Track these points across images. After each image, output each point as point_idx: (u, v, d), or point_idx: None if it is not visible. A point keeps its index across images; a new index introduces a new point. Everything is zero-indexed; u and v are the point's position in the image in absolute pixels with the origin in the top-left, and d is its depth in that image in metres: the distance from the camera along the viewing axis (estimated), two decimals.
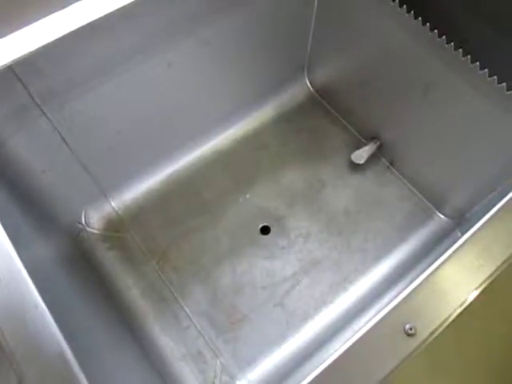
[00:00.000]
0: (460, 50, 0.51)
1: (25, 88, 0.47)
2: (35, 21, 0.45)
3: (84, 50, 0.49)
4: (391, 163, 0.75)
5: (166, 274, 0.67)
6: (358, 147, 0.75)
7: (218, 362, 0.61)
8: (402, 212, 0.72)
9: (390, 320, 0.33)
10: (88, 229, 0.69)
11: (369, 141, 0.75)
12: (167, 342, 0.62)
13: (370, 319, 0.34)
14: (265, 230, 0.70)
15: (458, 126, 0.60)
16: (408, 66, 0.60)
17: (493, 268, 0.36)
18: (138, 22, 0.51)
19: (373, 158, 0.75)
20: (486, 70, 0.50)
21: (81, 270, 0.63)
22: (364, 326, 0.34)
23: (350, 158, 0.74)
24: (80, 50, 0.49)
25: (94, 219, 0.70)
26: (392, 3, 0.56)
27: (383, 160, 0.75)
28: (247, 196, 0.73)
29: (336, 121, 0.79)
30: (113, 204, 0.70)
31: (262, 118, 0.78)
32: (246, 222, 0.71)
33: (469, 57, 0.51)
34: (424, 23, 0.54)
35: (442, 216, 0.70)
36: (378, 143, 0.74)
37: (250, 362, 0.62)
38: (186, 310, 0.65)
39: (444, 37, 0.52)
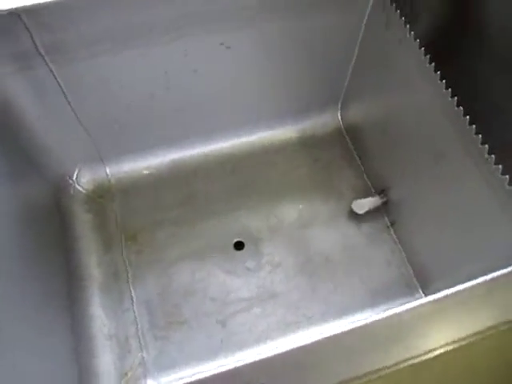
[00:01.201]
0: (473, 127, 0.47)
1: (30, 36, 0.48)
2: None
3: (108, 12, 0.50)
4: (392, 224, 0.70)
5: (129, 254, 0.67)
6: (364, 196, 0.71)
7: (140, 355, 0.61)
8: (384, 278, 0.67)
9: None
10: (76, 186, 0.71)
11: (377, 193, 0.71)
12: (100, 316, 0.62)
13: None
14: (238, 246, 0.68)
15: (461, 205, 0.54)
16: (425, 128, 0.56)
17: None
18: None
19: (375, 213, 0.70)
20: (493, 156, 0.45)
21: (49, 220, 0.65)
22: None
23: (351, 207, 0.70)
24: (104, 11, 0.50)
25: (85, 179, 0.71)
26: (428, 65, 0.52)
27: (385, 218, 0.70)
28: (236, 207, 0.71)
29: (353, 162, 0.75)
30: (107, 171, 0.72)
31: (281, 135, 0.76)
32: (224, 232, 0.69)
33: (480, 136, 0.46)
34: (453, 95, 0.49)
35: (423, 296, 0.64)
36: (385, 199, 0.70)
37: (170, 366, 0.60)
38: (133, 293, 0.65)
39: (466, 115, 0.47)
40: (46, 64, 0.52)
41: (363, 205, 0.70)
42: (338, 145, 0.77)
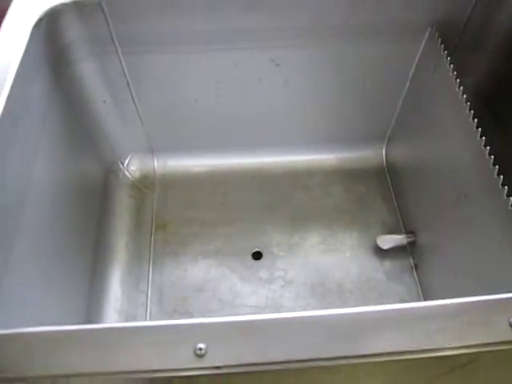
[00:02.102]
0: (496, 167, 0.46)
1: (107, 24, 0.56)
2: None
3: (175, 16, 0.56)
4: (415, 266, 0.68)
5: (155, 241, 0.72)
6: (391, 233, 0.70)
7: None
8: None
9: None
10: (125, 172, 0.77)
11: (405, 232, 0.70)
12: (116, 292, 0.67)
13: None
14: (257, 256, 0.70)
15: (478, 251, 0.53)
16: (457, 175, 0.55)
17: None
18: (259, 14, 0.56)
19: (400, 252, 0.69)
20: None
21: (94, 197, 0.71)
22: None
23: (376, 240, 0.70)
24: (172, 14, 0.56)
25: (135, 167, 0.78)
26: (468, 112, 0.52)
27: (410, 259, 0.69)
28: (262, 219, 0.73)
29: (388, 198, 0.75)
30: (155, 163, 0.78)
31: (320, 160, 0.78)
32: (246, 240, 0.71)
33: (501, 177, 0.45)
34: (486, 144, 0.49)
35: None
36: (412, 239, 0.68)
37: None
38: (150, 277, 0.68)
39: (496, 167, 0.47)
40: (117, 53, 0.60)
41: (388, 241, 0.69)
42: (376, 179, 0.77)
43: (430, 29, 0.60)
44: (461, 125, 0.53)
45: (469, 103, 0.52)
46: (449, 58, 0.56)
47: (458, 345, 0.31)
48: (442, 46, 0.57)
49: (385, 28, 0.60)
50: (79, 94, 0.63)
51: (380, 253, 0.69)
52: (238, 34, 0.58)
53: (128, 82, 0.64)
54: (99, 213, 0.72)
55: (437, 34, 0.58)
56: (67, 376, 0.30)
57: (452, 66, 0.55)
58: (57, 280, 0.57)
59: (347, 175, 0.78)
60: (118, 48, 0.60)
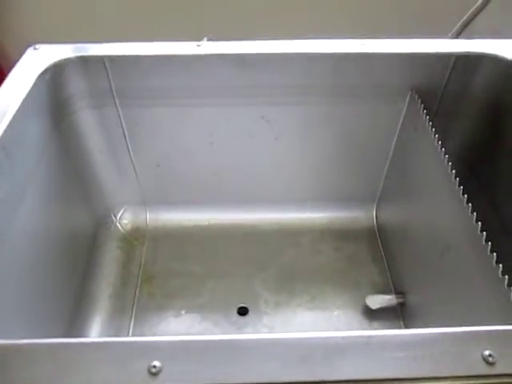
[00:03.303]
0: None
1: (108, 79, 0.60)
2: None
3: (171, 73, 0.61)
4: (406, 327, 0.65)
5: (140, 294, 0.70)
6: (381, 293, 0.68)
7: None
8: None
9: None
10: (117, 224, 0.78)
11: (395, 293, 0.68)
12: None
13: None
14: (242, 311, 0.68)
15: (465, 309, 0.51)
16: (441, 236, 0.55)
17: None
18: (251, 72, 0.60)
19: (389, 313, 0.67)
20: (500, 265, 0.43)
21: (82, 246, 0.71)
22: None
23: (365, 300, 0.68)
24: (168, 71, 0.61)
25: (127, 220, 0.79)
26: (451, 177, 0.52)
27: (400, 321, 0.66)
28: (250, 275, 0.72)
29: (378, 259, 0.74)
30: (148, 216, 0.79)
31: (311, 219, 0.79)
32: (232, 295, 0.70)
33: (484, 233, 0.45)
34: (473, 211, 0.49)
35: None
36: (401, 300, 0.66)
37: None
38: (130, 331, 0.66)
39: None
40: (116, 105, 0.64)
41: (378, 301, 0.67)
42: (367, 240, 0.77)
43: (410, 92, 0.63)
44: (443, 183, 0.54)
45: (450, 163, 0.53)
46: (429, 121, 0.59)
47: (430, 375, 0.30)
48: (423, 108, 0.60)
49: (369, 90, 0.63)
50: (76, 143, 0.66)
51: (369, 313, 0.67)
52: (230, 90, 0.62)
53: (124, 134, 0.67)
54: (86, 262, 0.72)
55: (417, 96, 0.62)
56: None
57: (433, 128, 0.57)
58: (34, 322, 0.55)
59: (338, 235, 0.78)
60: (117, 101, 0.63)
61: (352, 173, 0.75)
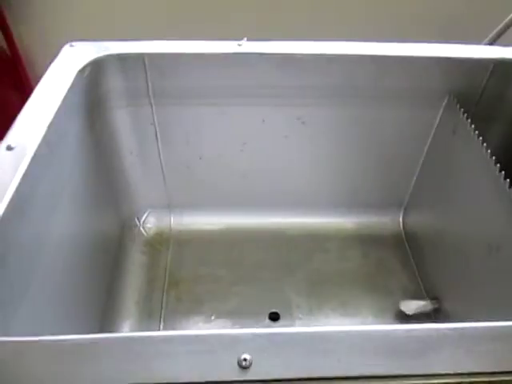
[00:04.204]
0: None
1: (145, 77, 0.60)
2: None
3: (208, 73, 0.60)
4: None
5: (168, 299, 0.68)
6: (415, 298, 0.67)
7: None
8: None
9: None
10: (141, 228, 0.76)
11: (429, 298, 0.67)
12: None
13: None
14: (273, 316, 0.67)
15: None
16: (487, 239, 0.54)
17: None
18: (288, 72, 0.60)
19: (424, 319, 0.66)
20: None
21: (108, 251, 0.69)
22: None
23: (399, 305, 0.67)
24: (205, 71, 0.60)
25: (150, 225, 0.77)
26: (497, 173, 0.52)
27: None
28: (279, 280, 0.71)
29: (408, 265, 0.73)
30: (172, 220, 0.77)
31: (338, 224, 0.78)
32: (263, 300, 0.68)
33: None
34: None
35: None
36: (437, 306, 0.66)
37: None
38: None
39: None
40: (151, 105, 0.63)
41: (412, 306, 0.66)
42: (394, 246, 0.76)
43: (448, 96, 0.63)
44: (491, 185, 0.53)
45: (498, 164, 0.53)
46: (469, 121, 0.59)
47: None
48: (462, 111, 0.60)
49: (406, 93, 0.63)
50: (109, 142, 0.65)
51: (403, 319, 0.66)
52: (267, 90, 0.62)
53: (156, 134, 0.66)
54: (112, 266, 0.70)
55: (455, 100, 0.62)
56: None
57: (474, 127, 0.58)
58: (66, 325, 0.53)
59: (365, 240, 0.77)
60: (152, 100, 0.63)
61: (381, 178, 0.75)
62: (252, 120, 0.65)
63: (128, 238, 0.75)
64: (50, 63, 0.58)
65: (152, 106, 0.63)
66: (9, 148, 0.44)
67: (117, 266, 0.71)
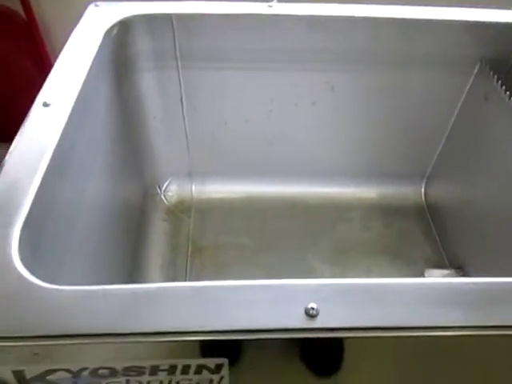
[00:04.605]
0: None
1: (173, 38, 0.58)
2: None
3: (236, 35, 0.59)
4: None
5: (192, 265, 0.68)
6: (438, 268, 0.68)
7: None
8: None
9: None
10: (162, 196, 0.76)
11: (453, 268, 0.67)
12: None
13: None
14: None
15: None
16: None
17: None
18: (319, 35, 0.59)
19: None
20: None
21: (131, 219, 0.69)
22: None
23: (423, 274, 0.67)
24: (233, 33, 0.59)
25: (172, 193, 0.76)
26: None
27: None
28: (303, 249, 0.71)
29: (430, 235, 0.73)
30: (193, 189, 0.77)
31: (360, 194, 0.78)
32: (287, 268, 0.68)
33: None
34: None
35: None
36: (461, 275, 0.66)
37: None
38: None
39: None
40: (177, 67, 0.61)
41: (437, 275, 0.66)
42: (416, 217, 0.76)
43: (479, 63, 0.62)
44: None
45: None
46: (503, 88, 0.58)
47: None
48: (495, 77, 0.59)
49: (436, 59, 0.62)
50: (134, 106, 0.64)
51: None
52: (297, 54, 0.60)
53: (182, 98, 0.65)
54: (136, 234, 0.70)
55: (487, 66, 0.61)
56: (172, 333, 0.26)
57: (508, 94, 0.57)
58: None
59: (387, 210, 0.77)
60: (179, 62, 0.61)
61: (404, 148, 0.74)
62: (280, 85, 0.64)
63: (150, 206, 0.75)
64: (75, 24, 0.56)
65: (178, 69, 0.62)
66: (45, 104, 0.43)
67: (140, 233, 0.70)
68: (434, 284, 0.30)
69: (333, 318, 0.27)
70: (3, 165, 0.38)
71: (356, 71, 0.63)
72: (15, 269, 0.29)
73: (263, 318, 0.27)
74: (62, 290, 0.29)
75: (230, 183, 0.77)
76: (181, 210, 0.76)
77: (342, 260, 0.70)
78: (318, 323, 0.27)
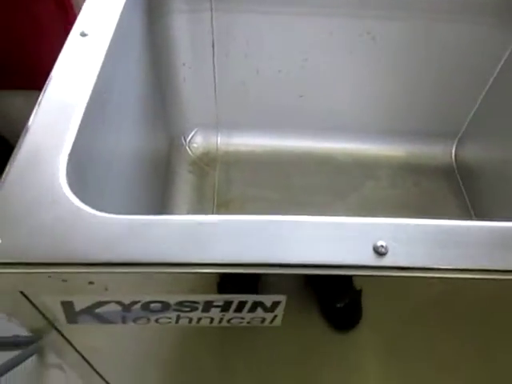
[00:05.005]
0: None
1: None
2: None
3: None
4: None
5: None
6: None
7: None
8: None
9: None
10: (186, 148, 0.74)
11: None
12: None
13: None
14: None
15: None
16: None
17: None
18: None
19: None
20: None
21: (157, 171, 0.67)
22: None
23: None
24: None
25: (197, 145, 0.75)
26: None
27: None
28: (330, 204, 0.70)
29: (459, 194, 0.72)
30: (219, 141, 0.75)
31: (389, 151, 0.76)
32: None
33: None
34: None
35: None
36: None
37: None
38: None
39: None
40: (211, 9, 0.58)
41: None
42: (445, 177, 0.74)
43: None
44: None
45: None
46: None
47: None
48: None
49: (486, 8, 0.59)
50: (164, 49, 0.61)
51: None
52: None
53: (213, 43, 0.62)
54: (163, 184, 0.68)
55: None
56: (233, 265, 0.25)
57: None
58: None
59: (415, 169, 0.75)
60: (213, 3, 0.58)
61: (439, 105, 0.71)
62: (318, 32, 0.61)
63: (175, 157, 0.73)
64: None
65: (212, 11, 0.59)
66: (82, 34, 0.41)
67: (167, 184, 0.69)
68: (501, 227, 0.29)
69: (403, 256, 0.26)
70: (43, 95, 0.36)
71: (398, 19, 0.60)
72: (67, 197, 0.28)
73: (330, 255, 0.26)
74: (117, 219, 0.28)
75: (257, 136, 0.75)
76: (206, 163, 0.74)
77: (372, 216, 0.69)
78: (386, 261, 0.26)
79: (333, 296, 0.30)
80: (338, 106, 0.71)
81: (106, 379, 0.42)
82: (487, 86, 0.68)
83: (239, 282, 0.28)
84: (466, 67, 0.66)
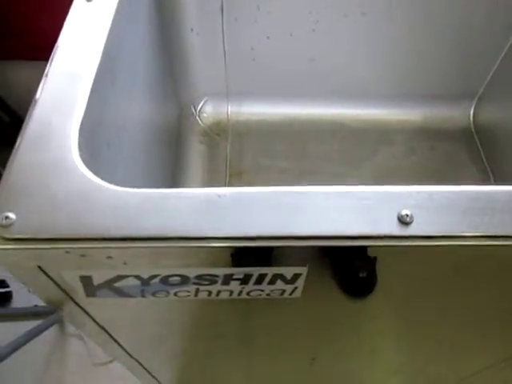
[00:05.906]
0: None
1: None
2: None
3: None
4: None
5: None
6: None
7: None
8: None
9: None
10: (197, 117, 0.73)
11: None
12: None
13: None
14: None
15: None
16: None
17: None
18: None
19: None
20: None
21: (169, 141, 0.66)
22: None
23: None
24: None
25: (207, 114, 0.73)
26: None
27: None
28: (345, 174, 0.68)
29: (477, 158, 0.70)
30: (229, 110, 0.73)
31: (405, 116, 0.73)
32: None
33: None
34: None
35: None
36: None
37: None
38: None
39: None
40: None
41: None
42: (463, 140, 0.72)
43: None
44: None
45: None
46: None
47: None
48: None
49: None
50: (171, 15, 0.59)
51: None
52: None
53: (222, 6, 0.60)
54: (175, 155, 0.68)
55: None
56: (252, 239, 0.25)
57: None
58: None
59: (432, 133, 0.73)
60: None
61: (456, 65, 0.68)
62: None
63: (185, 127, 0.72)
64: None
65: None
66: None
67: (178, 154, 0.69)
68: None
69: (428, 225, 0.25)
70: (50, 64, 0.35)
71: None
72: (80, 171, 0.27)
73: (355, 225, 0.25)
74: (133, 192, 0.27)
75: (268, 104, 0.73)
76: (217, 133, 0.73)
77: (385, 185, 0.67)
78: (411, 230, 0.25)
79: (353, 265, 0.29)
80: (350, 71, 0.68)
81: (125, 348, 0.43)
82: (507, 46, 0.65)
83: (256, 254, 0.27)
84: (485, 26, 0.63)
